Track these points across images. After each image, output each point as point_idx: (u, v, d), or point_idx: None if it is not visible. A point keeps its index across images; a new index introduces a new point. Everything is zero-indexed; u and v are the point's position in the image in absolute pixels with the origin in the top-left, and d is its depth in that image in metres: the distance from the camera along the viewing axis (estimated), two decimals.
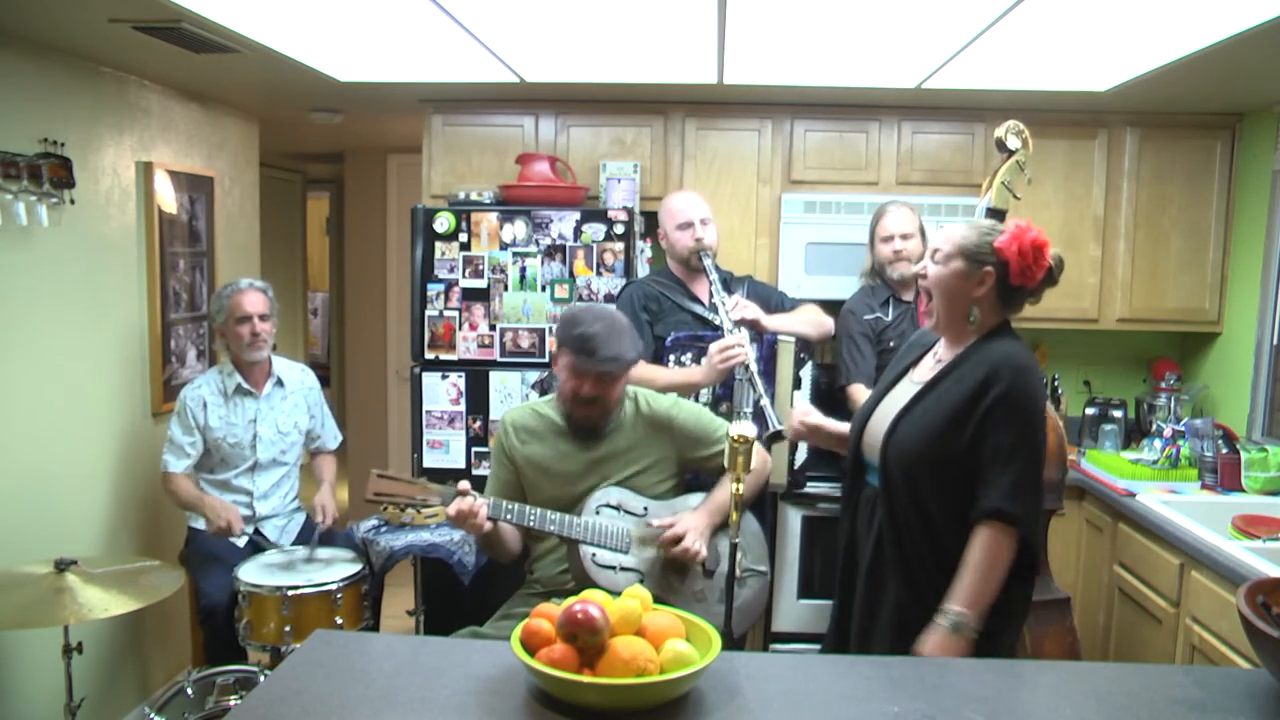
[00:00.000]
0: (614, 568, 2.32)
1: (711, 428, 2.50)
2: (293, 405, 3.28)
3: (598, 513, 2.34)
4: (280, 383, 3.25)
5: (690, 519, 2.38)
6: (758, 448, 2.35)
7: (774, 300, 3.12)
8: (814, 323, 3.06)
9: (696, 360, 2.87)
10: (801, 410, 2.29)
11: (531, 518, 2.31)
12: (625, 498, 2.39)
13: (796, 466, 3.10)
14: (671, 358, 2.91)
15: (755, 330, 2.88)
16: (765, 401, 2.66)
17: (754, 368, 2.73)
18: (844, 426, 2.26)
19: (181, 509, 3.19)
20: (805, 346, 3.02)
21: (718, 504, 2.43)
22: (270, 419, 3.21)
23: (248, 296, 3.15)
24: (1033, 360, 1.97)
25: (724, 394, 2.84)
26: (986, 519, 1.87)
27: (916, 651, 1.88)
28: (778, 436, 2.63)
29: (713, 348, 2.76)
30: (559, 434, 2.45)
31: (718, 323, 2.88)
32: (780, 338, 2.92)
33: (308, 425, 3.34)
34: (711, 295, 2.94)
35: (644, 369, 2.82)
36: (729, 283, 3.07)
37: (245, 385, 3.18)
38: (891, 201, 3.24)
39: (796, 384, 2.96)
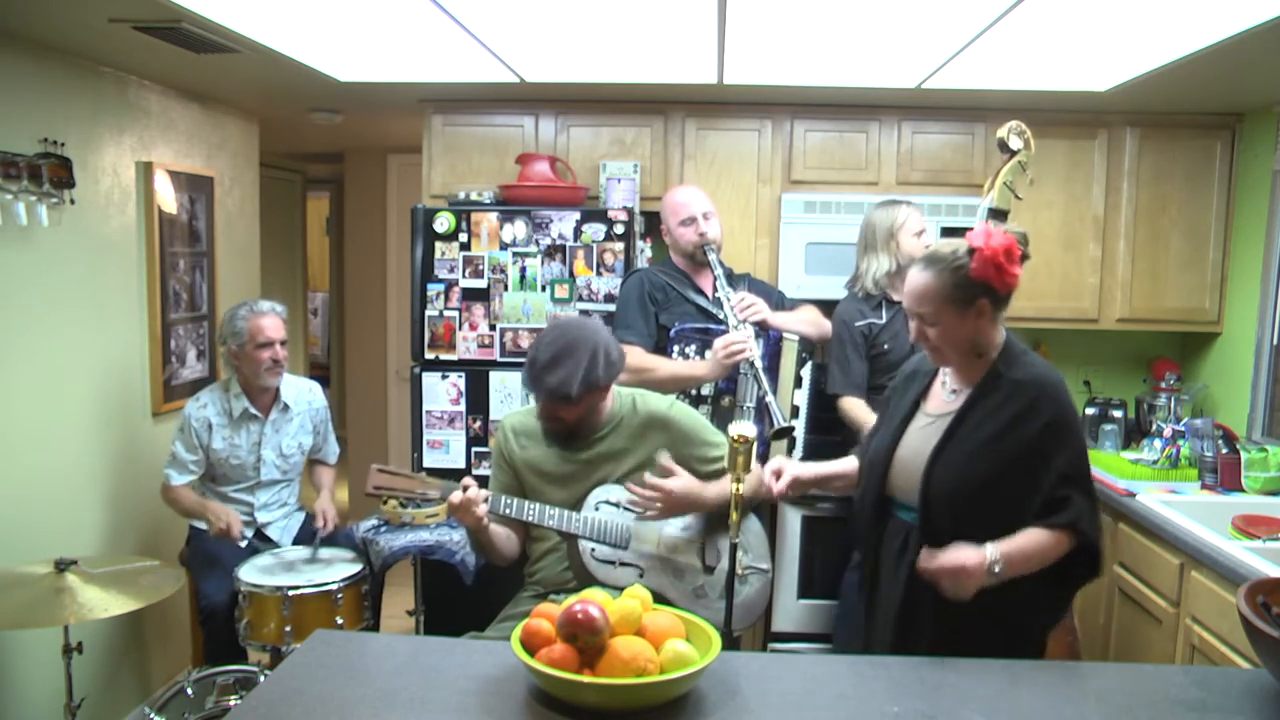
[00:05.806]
0: (613, 562, 2.33)
1: (707, 429, 2.49)
2: (297, 427, 3.25)
3: (597, 509, 2.35)
4: (285, 407, 3.20)
5: (684, 490, 2.31)
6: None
7: (773, 299, 3.12)
8: (814, 322, 3.08)
9: (700, 352, 2.87)
10: (775, 468, 2.16)
11: (530, 512, 2.31)
12: (624, 495, 2.39)
13: None
14: (675, 349, 2.91)
15: (760, 327, 2.88)
16: (770, 398, 2.66)
17: (759, 364, 2.74)
18: (826, 468, 2.23)
19: (183, 517, 3.18)
20: (807, 345, 3.03)
21: (720, 492, 2.40)
22: (274, 442, 3.18)
23: (268, 320, 3.06)
24: (1059, 375, 1.98)
25: (727, 387, 2.85)
26: (1061, 528, 1.87)
27: (933, 561, 1.84)
28: (782, 433, 2.62)
29: (717, 343, 2.77)
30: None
31: (722, 316, 2.88)
32: (785, 335, 2.93)
33: (311, 443, 3.31)
34: (715, 289, 2.94)
35: (648, 358, 2.82)
36: (731, 279, 3.07)
37: (252, 410, 3.13)
38: (890, 201, 3.12)
39: (798, 382, 2.97)
